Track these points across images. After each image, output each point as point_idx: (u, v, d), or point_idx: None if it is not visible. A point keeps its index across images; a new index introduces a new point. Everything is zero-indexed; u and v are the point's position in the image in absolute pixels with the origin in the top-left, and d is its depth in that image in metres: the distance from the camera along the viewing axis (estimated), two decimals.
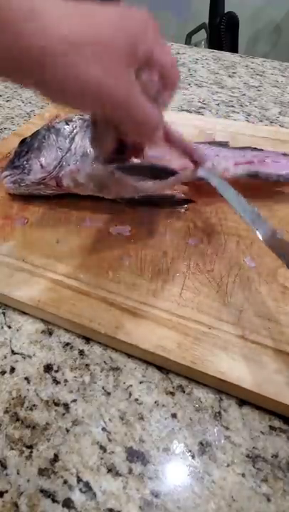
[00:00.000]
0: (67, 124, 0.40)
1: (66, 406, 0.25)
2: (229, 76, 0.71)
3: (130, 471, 0.23)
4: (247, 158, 0.38)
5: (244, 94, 0.64)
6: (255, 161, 0.38)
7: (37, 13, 0.21)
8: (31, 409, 0.25)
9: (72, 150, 0.37)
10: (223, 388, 0.26)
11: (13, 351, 0.29)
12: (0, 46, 0.21)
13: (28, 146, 0.39)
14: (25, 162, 0.38)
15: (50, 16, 0.22)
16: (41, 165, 0.37)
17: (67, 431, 0.24)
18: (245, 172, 0.37)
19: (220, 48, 1.56)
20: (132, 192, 0.34)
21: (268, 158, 0.39)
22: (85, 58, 0.23)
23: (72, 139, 0.38)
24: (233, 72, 0.72)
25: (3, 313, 0.31)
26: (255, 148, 0.40)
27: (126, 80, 0.25)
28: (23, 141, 0.41)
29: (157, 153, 0.34)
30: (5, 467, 0.23)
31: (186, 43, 1.74)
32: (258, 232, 0.27)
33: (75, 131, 0.39)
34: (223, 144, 0.42)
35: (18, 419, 0.25)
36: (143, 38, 0.25)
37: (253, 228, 0.28)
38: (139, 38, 0.25)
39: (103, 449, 0.24)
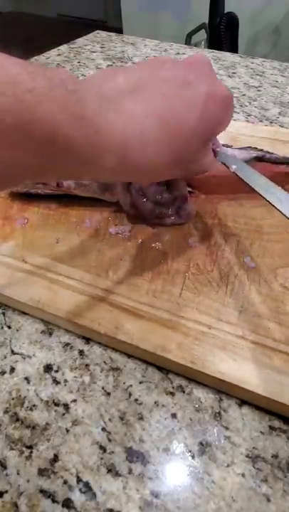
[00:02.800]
0: None
1: (66, 406, 0.25)
2: (229, 76, 0.71)
3: (130, 471, 0.23)
4: (251, 155, 0.39)
5: (244, 95, 0.64)
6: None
7: (117, 110, 0.20)
8: (31, 409, 0.25)
9: None
10: (223, 388, 0.26)
11: (13, 351, 0.29)
12: (80, 141, 0.19)
13: None
14: None
15: (128, 113, 0.20)
16: None
17: (67, 431, 0.24)
18: (252, 156, 0.37)
19: (220, 48, 1.56)
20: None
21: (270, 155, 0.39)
22: (163, 152, 0.22)
23: None
24: (233, 73, 0.72)
25: (3, 313, 0.31)
26: (255, 148, 0.40)
27: (207, 157, 0.26)
28: None
29: None
30: (5, 467, 0.23)
31: (186, 43, 1.74)
32: (285, 212, 0.26)
33: None
34: (226, 146, 0.42)
35: (18, 419, 0.25)
36: (225, 121, 0.25)
37: (280, 210, 0.26)
38: (221, 123, 0.25)
39: (103, 449, 0.24)
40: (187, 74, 0.24)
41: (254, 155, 0.37)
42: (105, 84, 0.21)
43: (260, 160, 0.38)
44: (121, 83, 0.21)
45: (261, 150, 0.40)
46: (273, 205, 0.27)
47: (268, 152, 0.40)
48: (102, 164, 0.20)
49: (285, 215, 0.26)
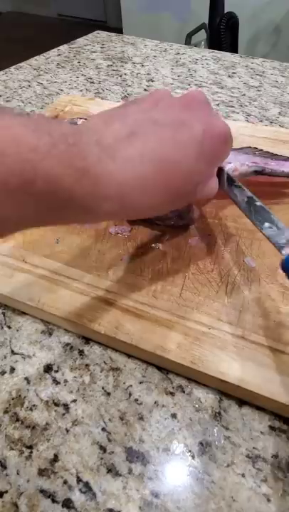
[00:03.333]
0: None
1: (66, 406, 0.25)
2: (229, 76, 0.71)
3: (130, 471, 0.23)
4: (252, 161, 0.39)
5: (244, 95, 0.64)
6: (260, 162, 0.38)
7: (115, 158, 0.20)
8: (31, 410, 0.25)
9: None
10: (223, 388, 0.26)
11: (13, 351, 0.29)
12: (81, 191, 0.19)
13: None
14: None
15: (125, 159, 0.21)
16: None
17: (67, 431, 0.24)
18: (252, 169, 0.37)
19: (220, 49, 1.56)
20: None
21: (270, 160, 0.39)
22: (161, 193, 0.22)
23: None
24: (233, 73, 0.72)
25: (3, 313, 0.31)
26: (255, 148, 0.40)
27: (208, 187, 0.26)
28: None
29: None
30: (5, 467, 0.23)
31: (186, 44, 1.74)
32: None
33: None
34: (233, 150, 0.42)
35: (18, 419, 0.25)
36: (224, 155, 0.25)
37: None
38: (219, 158, 0.25)
39: (103, 449, 0.24)
40: (182, 113, 0.24)
41: (253, 169, 0.37)
42: (103, 131, 0.22)
43: (260, 173, 0.37)
44: (117, 129, 0.22)
45: (261, 150, 0.40)
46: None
47: (268, 153, 0.40)
48: (103, 211, 0.21)
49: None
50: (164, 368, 0.27)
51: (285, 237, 0.24)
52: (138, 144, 0.21)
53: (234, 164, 0.37)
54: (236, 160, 0.38)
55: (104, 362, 0.28)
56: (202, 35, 1.77)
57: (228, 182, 0.28)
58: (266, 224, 0.25)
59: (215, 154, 0.24)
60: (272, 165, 0.38)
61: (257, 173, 0.37)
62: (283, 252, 0.23)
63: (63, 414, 0.25)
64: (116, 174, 0.20)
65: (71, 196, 0.19)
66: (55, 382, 0.27)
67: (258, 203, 0.26)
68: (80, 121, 0.40)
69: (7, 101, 0.62)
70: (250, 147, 0.41)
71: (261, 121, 0.56)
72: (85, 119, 0.41)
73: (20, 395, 0.26)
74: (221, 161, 0.26)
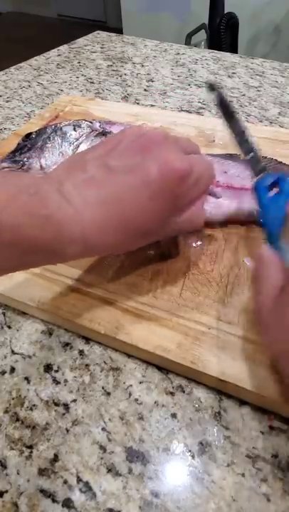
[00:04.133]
0: (75, 130, 0.40)
1: (66, 406, 0.25)
2: (229, 76, 0.71)
3: (130, 471, 0.23)
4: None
5: (244, 95, 0.64)
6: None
7: (74, 204, 0.22)
8: (31, 409, 0.25)
9: None
10: (222, 388, 0.26)
11: (13, 351, 0.29)
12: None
13: (31, 143, 0.39)
14: (25, 159, 0.38)
15: (84, 205, 0.22)
16: (41, 166, 0.37)
17: (67, 431, 0.24)
18: (246, 217, 0.36)
19: (220, 49, 1.56)
20: None
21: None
22: (121, 235, 0.24)
23: (77, 146, 0.38)
24: (233, 73, 0.72)
25: (3, 313, 0.31)
26: (265, 157, 0.40)
27: (185, 220, 0.27)
28: (28, 136, 0.40)
29: None
30: (5, 467, 0.23)
31: (185, 44, 1.74)
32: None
33: (80, 139, 0.39)
34: (234, 156, 0.42)
35: (18, 419, 0.25)
36: (183, 190, 0.25)
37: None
38: (180, 196, 0.25)
39: (103, 449, 0.24)
40: (136, 157, 0.24)
41: (245, 216, 0.35)
42: (63, 179, 0.23)
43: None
44: (76, 176, 0.24)
45: (280, 162, 0.40)
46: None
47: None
48: (68, 253, 0.22)
49: None
50: (164, 367, 0.27)
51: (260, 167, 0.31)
52: (94, 189, 0.23)
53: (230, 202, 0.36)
54: (239, 173, 0.38)
55: (104, 362, 0.28)
56: (202, 35, 1.77)
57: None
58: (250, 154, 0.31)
59: (172, 191, 0.24)
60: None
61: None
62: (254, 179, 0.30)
63: (63, 414, 0.25)
64: (77, 218, 0.22)
65: (36, 243, 0.20)
66: (55, 382, 0.27)
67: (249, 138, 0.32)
68: (84, 124, 0.40)
69: (7, 101, 0.62)
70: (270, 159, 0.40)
71: (261, 121, 0.56)
72: (90, 122, 0.41)
73: (20, 395, 0.26)
74: (185, 196, 0.25)
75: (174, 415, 0.25)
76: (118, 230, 0.23)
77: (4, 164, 0.38)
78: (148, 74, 0.72)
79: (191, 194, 0.26)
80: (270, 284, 0.22)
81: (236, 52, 1.10)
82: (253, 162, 0.32)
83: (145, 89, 0.66)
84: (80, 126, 0.40)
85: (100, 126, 0.40)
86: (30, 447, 0.24)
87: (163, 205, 0.24)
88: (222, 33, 1.58)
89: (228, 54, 0.82)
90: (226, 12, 1.62)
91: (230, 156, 0.41)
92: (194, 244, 0.34)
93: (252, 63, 0.77)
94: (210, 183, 0.28)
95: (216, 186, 0.37)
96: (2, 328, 0.30)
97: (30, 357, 0.28)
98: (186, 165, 0.24)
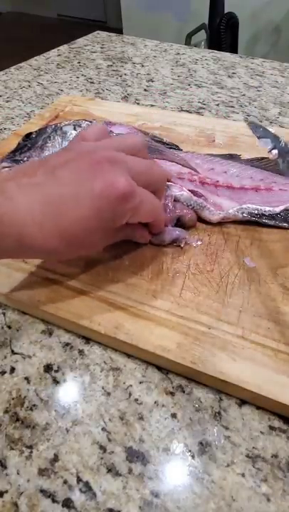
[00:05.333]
0: (75, 129, 0.39)
1: (66, 406, 0.25)
2: (229, 76, 0.71)
3: (130, 471, 0.23)
4: (254, 182, 0.38)
5: (244, 95, 0.64)
6: (262, 186, 0.38)
7: (14, 201, 0.24)
8: (31, 409, 0.25)
9: None
10: (222, 388, 0.26)
11: (13, 351, 0.29)
12: None
13: (31, 142, 0.39)
14: (25, 158, 0.38)
15: (24, 203, 0.24)
16: None
17: (67, 431, 0.24)
18: (246, 217, 0.35)
19: (220, 49, 1.56)
20: None
21: (275, 184, 0.38)
22: (55, 241, 0.25)
23: None
24: (233, 73, 0.72)
25: (3, 313, 0.31)
26: (263, 158, 0.40)
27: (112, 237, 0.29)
28: (28, 135, 0.40)
29: None
30: (5, 467, 0.23)
31: (185, 44, 1.74)
32: None
33: None
34: (235, 157, 0.42)
35: (18, 419, 0.25)
36: (123, 212, 0.26)
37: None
38: (120, 214, 0.26)
39: (103, 449, 0.24)
40: (84, 173, 0.25)
41: (246, 217, 0.35)
42: (10, 179, 0.25)
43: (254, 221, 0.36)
44: (23, 180, 0.25)
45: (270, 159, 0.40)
46: None
47: (275, 177, 0.39)
48: (2, 247, 0.24)
49: None
50: (164, 367, 0.27)
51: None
52: (38, 192, 0.24)
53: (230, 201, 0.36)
54: (239, 172, 0.38)
55: (105, 362, 0.28)
56: (202, 35, 1.78)
57: None
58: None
59: (112, 209, 0.25)
60: (275, 191, 0.37)
61: (252, 219, 0.35)
62: None
63: (63, 414, 0.25)
64: (16, 216, 0.23)
65: None
66: (55, 382, 0.27)
67: None
68: (84, 124, 0.40)
69: (7, 101, 0.62)
70: (257, 158, 0.40)
71: (261, 121, 0.56)
72: (90, 121, 0.41)
73: (20, 395, 0.26)
74: (124, 217, 0.27)
75: (174, 415, 0.25)
76: (54, 235, 0.24)
77: (4, 164, 0.38)
78: (148, 74, 0.72)
79: (134, 218, 0.28)
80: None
81: (236, 52, 1.10)
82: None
83: (145, 89, 0.66)
84: (80, 126, 0.40)
85: None
86: (30, 447, 0.24)
87: (101, 221, 0.26)
88: (222, 33, 1.58)
89: (228, 54, 0.82)
90: (226, 12, 1.62)
91: (230, 156, 0.41)
92: (194, 244, 0.34)
93: (252, 63, 0.77)
94: (155, 210, 0.30)
95: (216, 186, 0.38)
96: (2, 328, 0.30)
97: (30, 357, 0.28)
98: (129, 188, 0.25)
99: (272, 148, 0.30)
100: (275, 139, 0.31)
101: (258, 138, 0.32)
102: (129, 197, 0.26)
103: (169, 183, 0.35)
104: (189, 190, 0.36)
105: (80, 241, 0.26)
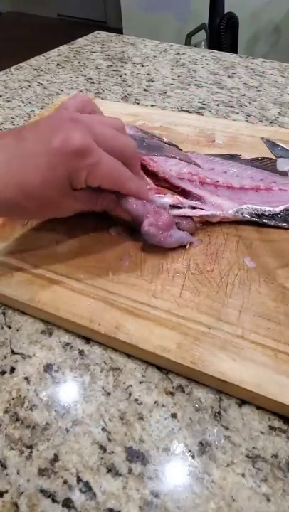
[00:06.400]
0: None
1: (66, 406, 0.25)
2: (229, 76, 0.71)
3: (130, 471, 0.23)
4: (254, 182, 0.38)
5: (244, 95, 0.64)
6: (262, 186, 0.38)
7: None
8: (31, 409, 0.25)
9: None
10: (222, 388, 0.26)
11: (13, 351, 0.29)
12: None
13: None
14: None
15: None
16: None
17: (67, 431, 0.24)
18: (246, 217, 0.35)
19: (220, 49, 1.56)
20: None
21: (275, 184, 0.38)
22: (15, 193, 0.26)
23: None
24: (233, 73, 0.72)
25: (3, 313, 0.31)
26: (263, 158, 0.40)
27: (71, 203, 0.30)
28: None
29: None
30: (5, 467, 0.23)
31: (185, 44, 1.74)
32: None
33: None
34: (235, 157, 0.42)
35: (18, 419, 0.25)
36: (79, 165, 0.26)
37: None
38: (79, 170, 0.27)
39: (103, 449, 0.24)
40: (47, 133, 0.27)
41: (247, 218, 0.35)
42: None
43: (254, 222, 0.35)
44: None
45: (270, 159, 0.40)
46: None
47: (275, 176, 0.39)
48: None
49: None
50: (164, 367, 0.27)
51: None
52: (3, 151, 0.26)
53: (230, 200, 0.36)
54: (239, 172, 0.38)
55: (105, 362, 0.28)
56: (202, 35, 1.77)
57: None
58: None
59: (68, 166, 0.26)
60: (275, 191, 0.37)
61: (252, 219, 0.35)
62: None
63: (63, 414, 0.25)
64: None
65: None
66: (55, 382, 0.27)
67: None
68: None
69: (7, 101, 0.62)
70: (258, 158, 0.40)
71: (261, 121, 0.56)
72: None
73: (20, 395, 0.26)
74: (79, 175, 0.27)
75: (174, 415, 0.25)
76: (14, 188, 0.26)
77: None
78: (148, 74, 0.72)
79: (91, 179, 0.28)
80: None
81: (236, 52, 1.10)
82: None
83: (145, 89, 0.66)
84: None
85: None
86: (30, 447, 0.24)
87: (56, 176, 0.26)
88: (222, 33, 1.58)
89: (228, 54, 0.82)
90: (226, 12, 1.62)
91: (230, 156, 0.41)
92: (194, 244, 0.34)
93: (252, 63, 0.76)
94: (116, 175, 0.29)
95: (216, 186, 0.38)
96: (2, 328, 0.30)
97: (30, 357, 0.28)
98: (85, 145, 0.26)
99: None
100: None
101: (277, 157, 0.32)
102: (85, 153, 0.26)
103: (160, 194, 0.34)
104: (188, 191, 0.36)
105: (38, 195, 0.27)
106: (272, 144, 0.33)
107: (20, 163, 0.26)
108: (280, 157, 0.31)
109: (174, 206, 0.34)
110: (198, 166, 0.38)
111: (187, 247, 0.33)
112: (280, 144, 0.32)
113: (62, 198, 0.28)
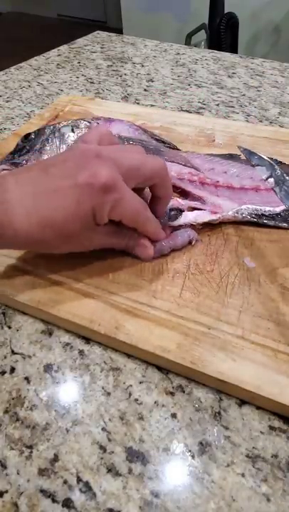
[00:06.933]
0: (73, 131, 0.39)
1: (66, 406, 0.25)
2: (229, 76, 0.71)
3: (130, 471, 0.23)
4: (254, 183, 0.38)
5: (244, 95, 0.64)
6: (262, 187, 0.38)
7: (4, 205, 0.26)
8: (31, 409, 0.25)
9: None
10: (222, 388, 0.26)
11: (13, 351, 0.29)
12: None
13: (30, 145, 0.39)
14: (24, 161, 0.38)
15: (14, 207, 0.26)
16: None
17: (67, 431, 0.24)
18: (246, 217, 0.35)
19: (220, 49, 1.56)
20: None
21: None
22: (49, 241, 0.27)
23: None
24: (233, 73, 0.72)
25: (3, 313, 0.31)
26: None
27: (98, 237, 0.30)
28: (27, 137, 0.40)
29: None
30: (5, 467, 0.23)
31: (185, 44, 1.74)
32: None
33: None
34: (235, 157, 0.41)
35: (18, 419, 0.25)
36: (106, 200, 0.27)
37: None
38: (103, 207, 0.27)
39: (103, 449, 0.24)
40: (73, 169, 0.27)
41: (246, 218, 0.35)
42: (9, 175, 0.28)
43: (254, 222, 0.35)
44: (21, 175, 0.28)
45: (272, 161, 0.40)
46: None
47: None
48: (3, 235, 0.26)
49: None
50: (164, 368, 0.27)
51: None
52: (31, 185, 0.27)
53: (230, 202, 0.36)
54: (239, 172, 0.38)
55: (105, 362, 0.28)
56: (202, 35, 1.77)
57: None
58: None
59: (92, 201, 0.27)
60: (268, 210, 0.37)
61: (252, 219, 0.35)
62: None
63: (63, 414, 0.25)
64: (8, 205, 0.26)
65: None
66: (55, 382, 0.27)
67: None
68: (82, 124, 0.40)
69: (7, 101, 0.62)
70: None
71: (261, 121, 0.56)
72: (89, 121, 0.41)
73: (20, 395, 0.26)
74: (103, 210, 0.27)
75: (174, 415, 0.25)
76: (37, 223, 0.26)
77: (3, 166, 0.38)
78: (148, 74, 0.72)
79: (114, 214, 0.28)
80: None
81: (236, 52, 1.10)
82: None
83: (145, 89, 0.66)
84: (78, 127, 0.40)
85: None
86: (30, 447, 0.24)
87: (80, 210, 0.27)
88: (222, 33, 1.58)
89: (228, 54, 0.82)
90: (226, 12, 1.62)
91: (230, 156, 0.41)
92: (194, 244, 0.34)
93: (252, 63, 0.76)
94: (138, 214, 0.30)
95: (216, 186, 0.38)
96: (2, 328, 0.30)
97: (30, 357, 0.28)
98: (111, 180, 0.26)
99: (269, 177, 0.30)
100: (271, 166, 0.30)
101: (254, 166, 0.32)
102: (110, 188, 0.26)
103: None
104: (188, 191, 0.36)
105: (61, 228, 0.27)
106: (248, 153, 0.33)
107: (45, 197, 0.26)
108: (257, 165, 0.31)
109: (173, 209, 0.34)
110: (198, 170, 0.38)
111: (193, 243, 0.33)
112: (256, 153, 0.32)
113: (84, 232, 0.28)
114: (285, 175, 0.29)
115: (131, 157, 0.29)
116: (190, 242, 0.33)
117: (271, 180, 0.30)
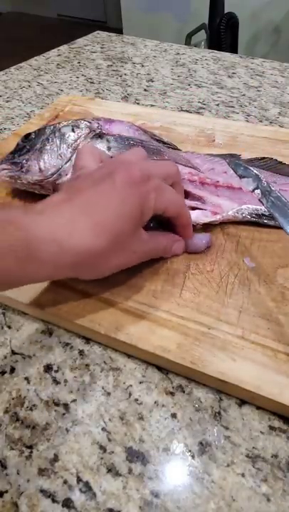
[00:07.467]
0: (73, 131, 0.39)
1: (66, 406, 0.25)
2: (229, 76, 0.71)
3: (130, 471, 0.23)
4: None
5: (244, 95, 0.64)
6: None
7: (39, 213, 0.25)
8: (31, 409, 0.25)
9: (73, 160, 0.37)
10: (222, 388, 0.26)
11: (13, 351, 0.29)
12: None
13: (30, 144, 0.39)
14: (24, 161, 0.38)
15: (50, 212, 0.25)
16: (40, 168, 0.37)
17: (67, 431, 0.24)
18: (246, 217, 0.35)
19: (220, 49, 1.56)
20: None
21: (275, 184, 0.37)
22: (91, 236, 0.25)
23: (75, 149, 0.38)
24: (233, 73, 0.72)
25: (3, 313, 0.31)
26: (263, 158, 0.40)
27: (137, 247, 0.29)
28: (27, 136, 0.40)
29: None
30: (5, 467, 0.23)
31: (185, 44, 1.74)
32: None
33: (78, 140, 0.38)
34: (235, 157, 0.41)
35: (18, 419, 0.25)
36: (148, 198, 0.27)
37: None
38: (145, 201, 0.27)
39: (103, 449, 0.24)
40: (103, 175, 0.28)
41: (247, 217, 0.35)
42: (36, 205, 0.26)
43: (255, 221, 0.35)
44: (49, 200, 0.27)
45: (270, 159, 0.40)
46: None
47: (275, 176, 0.39)
48: (44, 254, 0.24)
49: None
50: (164, 368, 0.27)
51: None
52: (67, 204, 0.26)
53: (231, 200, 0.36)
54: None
55: (104, 362, 0.28)
56: (202, 35, 1.77)
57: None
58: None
59: (138, 193, 0.27)
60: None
61: (253, 219, 0.35)
62: None
63: (63, 414, 0.25)
64: (43, 222, 0.24)
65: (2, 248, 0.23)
66: (55, 382, 0.27)
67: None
68: (82, 124, 0.40)
69: (7, 101, 0.62)
70: (257, 158, 0.40)
71: (261, 121, 0.56)
72: (89, 121, 0.41)
73: (20, 395, 0.26)
74: (149, 198, 0.27)
75: (174, 415, 0.25)
76: (88, 230, 0.25)
77: (3, 166, 0.38)
78: (148, 74, 0.72)
79: (158, 201, 0.28)
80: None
81: (236, 52, 1.10)
82: None
83: (145, 89, 0.66)
84: (78, 127, 0.40)
85: (97, 127, 0.40)
86: (30, 447, 0.24)
87: (130, 204, 0.27)
88: (222, 33, 1.58)
89: (228, 54, 0.82)
90: (226, 12, 1.62)
91: (230, 156, 0.41)
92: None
93: (252, 63, 0.77)
94: (178, 200, 0.30)
95: (216, 186, 0.37)
96: (2, 328, 0.30)
97: (30, 357, 0.28)
98: (144, 171, 0.28)
99: (255, 189, 0.30)
100: (256, 178, 0.31)
101: (240, 177, 0.32)
102: (149, 177, 0.28)
103: None
104: (188, 191, 0.36)
105: (116, 231, 0.26)
106: (234, 164, 0.33)
107: (88, 206, 0.26)
108: (244, 177, 0.32)
109: None
110: (199, 170, 0.38)
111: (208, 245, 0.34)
112: (242, 164, 0.32)
113: (134, 235, 0.28)
114: (270, 186, 0.30)
115: (144, 162, 0.30)
116: (208, 247, 0.34)
117: (258, 191, 0.30)
